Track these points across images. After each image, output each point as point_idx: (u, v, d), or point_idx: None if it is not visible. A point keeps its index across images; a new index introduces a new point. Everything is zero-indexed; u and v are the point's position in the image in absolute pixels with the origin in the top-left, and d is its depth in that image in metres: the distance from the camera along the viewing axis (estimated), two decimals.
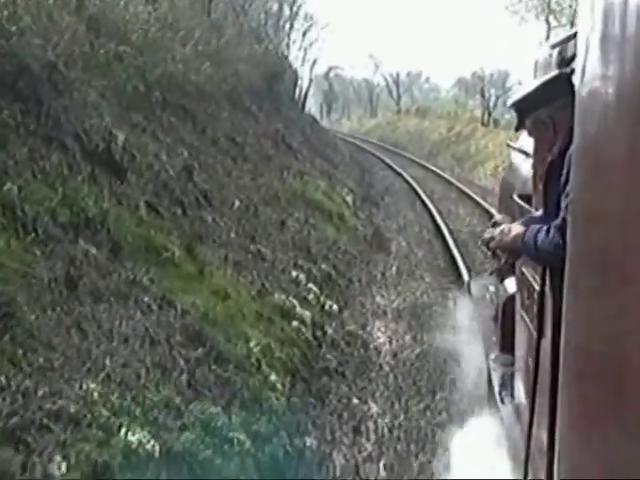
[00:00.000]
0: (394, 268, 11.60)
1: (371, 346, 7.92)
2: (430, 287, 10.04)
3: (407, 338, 8.08)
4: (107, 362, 4.79)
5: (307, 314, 7.39)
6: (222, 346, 5.61)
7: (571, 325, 1.69)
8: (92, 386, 4.40)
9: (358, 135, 45.08)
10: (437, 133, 37.75)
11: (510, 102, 3.35)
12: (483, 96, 35.98)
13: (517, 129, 3.48)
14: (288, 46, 40.33)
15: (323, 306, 8.29)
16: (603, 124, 1.46)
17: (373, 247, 13.02)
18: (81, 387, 4.35)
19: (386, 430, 5.88)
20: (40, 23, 7.91)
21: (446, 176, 23.81)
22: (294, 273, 8.52)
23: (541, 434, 2.62)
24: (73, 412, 4.05)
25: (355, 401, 6.53)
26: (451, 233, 13.52)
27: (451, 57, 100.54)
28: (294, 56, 41.18)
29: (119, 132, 7.66)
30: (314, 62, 42.89)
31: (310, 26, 41.96)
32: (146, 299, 5.76)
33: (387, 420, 6.06)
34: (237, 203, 10.03)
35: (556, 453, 1.83)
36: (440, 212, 16.52)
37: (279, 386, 5.84)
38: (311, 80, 42.73)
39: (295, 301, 7.52)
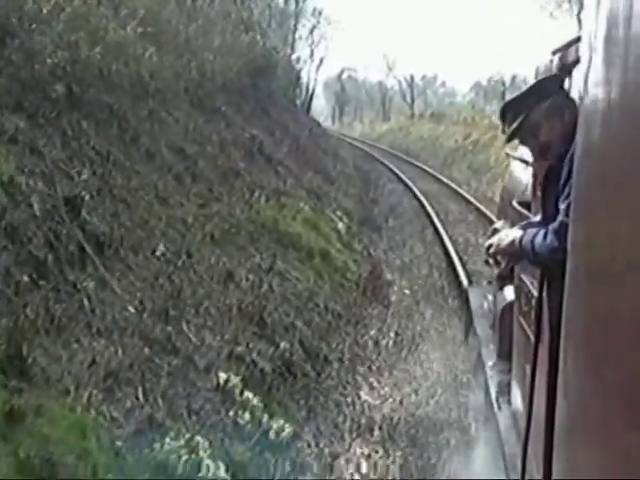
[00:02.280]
0: (392, 333, 8.42)
1: None
2: (440, 381, 6.81)
3: None
4: None
5: (221, 474, 4.18)
6: None
7: (570, 330, 1.67)
8: None
9: (368, 140, 42.32)
10: (452, 140, 34.77)
11: (500, 115, 3.00)
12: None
13: (508, 140, 3.07)
14: (293, 44, 37.43)
15: (267, 433, 5.11)
16: (606, 130, 1.46)
17: (367, 295, 9.84)
18: None
19: None
20: None
21: (462, 192, 20.52)
22: (223, 375, 5.33)
23: (538, 439, 2.57)
24: None
25: None
26: (470, 279, 10.29)
27: (468, 60, 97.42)
28: (299, 54, 38.30)
29: None
30: (321, 61, 40.07)
31: (318, 22, 39.10)
32: None
33: None
34: (162, 248, 6.89)
35: (554, 458, 1.78)
36: (455, 242, 13.32)
37: None
38: (316, 80, 39.90)
39: (205, 444, 4.33)
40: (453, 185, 22.24)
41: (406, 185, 22.44)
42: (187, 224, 7.81)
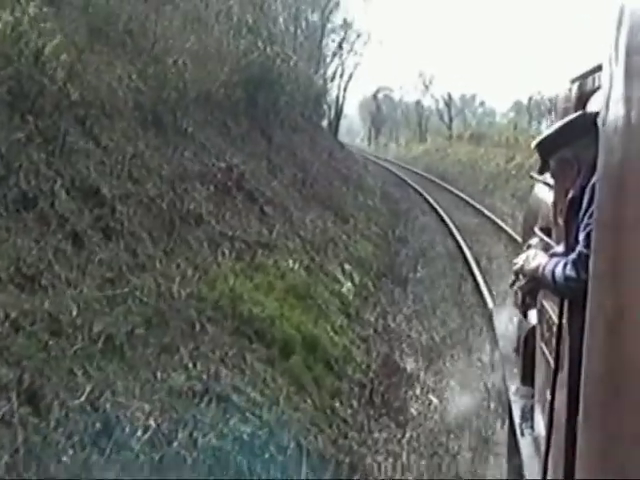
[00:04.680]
0: None
1: None
2: None
3: None
4: None
5: None
6: None
7: (591, 357, 1.63)
8: None
9: (402, 163, 39.14)
10: (493, 164, 31.66)
11: (534, 144, 3.07)
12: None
13: (541, 172, 3.44)
14: (319, 59, 34.42)
15: None
16: (627, 153, 1.45)
17: (375, 403, 6.62)
18: None
19: None
20: None
21: (507, 228, 17.07)
22: None
23: (558, 467, 2.56)
24: None
25: None
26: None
27: (507, 78, 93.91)
28: (326, 70, 35.41)
29: None
30: (350, 76, 37.13)
31: (346, 34, 36.17)
32: None
33: None
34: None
35: None
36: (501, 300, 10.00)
37: None
38: (344, 98, 37.00)
39: None
40: (496, 218, 18.84)
41: (441, 218, 19.17)
42: (59, 322, 4.64)
